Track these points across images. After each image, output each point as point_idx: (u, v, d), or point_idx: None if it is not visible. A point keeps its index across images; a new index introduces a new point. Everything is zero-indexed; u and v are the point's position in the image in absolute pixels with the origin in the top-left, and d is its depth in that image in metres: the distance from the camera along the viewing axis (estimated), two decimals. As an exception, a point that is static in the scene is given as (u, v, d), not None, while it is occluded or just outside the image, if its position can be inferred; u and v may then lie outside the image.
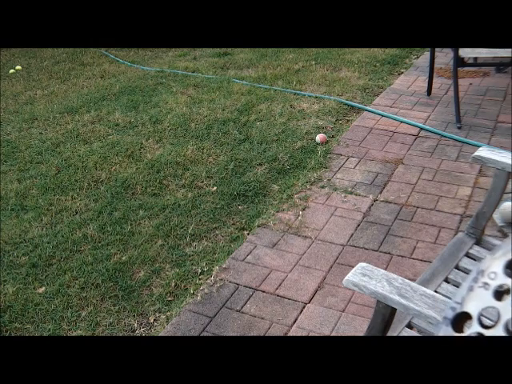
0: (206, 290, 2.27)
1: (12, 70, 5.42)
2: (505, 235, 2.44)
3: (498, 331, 0.70)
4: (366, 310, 2.12)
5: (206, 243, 2.58)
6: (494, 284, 0.76)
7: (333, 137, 3.66)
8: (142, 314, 2.17)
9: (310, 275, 2.34)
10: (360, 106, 4.13)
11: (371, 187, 3.02)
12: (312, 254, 2.47)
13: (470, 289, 0.78)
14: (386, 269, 2.34)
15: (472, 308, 0.75)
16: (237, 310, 2.16)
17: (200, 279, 2.34)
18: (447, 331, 0.75)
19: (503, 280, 0.76)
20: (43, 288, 2.32)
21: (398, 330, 1.41)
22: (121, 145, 3.60)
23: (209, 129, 3.79)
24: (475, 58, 4.43)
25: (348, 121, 3.92)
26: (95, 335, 2.06)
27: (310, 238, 2.59)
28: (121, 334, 2.06)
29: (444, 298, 1.12)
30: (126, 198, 2.98)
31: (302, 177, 3.13)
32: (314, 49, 5.77)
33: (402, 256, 2.43)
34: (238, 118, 3.95)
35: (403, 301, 1.12)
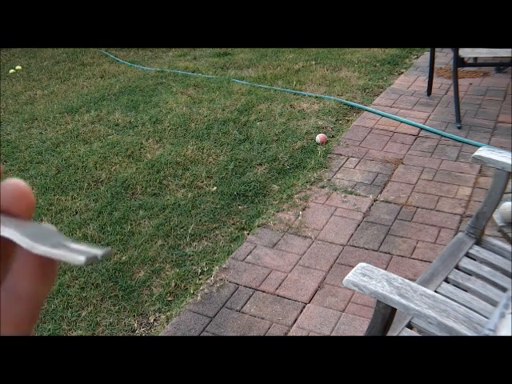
0: (206, 290, 2.27)
1: (12, 70, 5.42)
2: (505, 235, 2.44)
3: None
4: (366, 310, 2.12)
5: (205, 243, 2.58)
6: None
7: (333, 137, 3.66)
8: (142, 314, 2.17)
9: (310, 275, 2.34)
10: (360, 106, 4.13)
11: (371, 187, 3.02)
12: (312, 254, 2.47)
13: (502, 315, 0.78)
14: (385, 269, 2.34)
15: (505, 334, 0.75)
16: (237, 310, 2.16)
17: (200, 279, 2.34)
18: None
19: None
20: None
21: (398, 330, 1.41)
22: (121, 145, 3.60)
23: (209, 129, 3.79)
24: (475, 58, 4.43)
25: (348, 121, 3.92)
26: (95, 335, 2.06)
27: (310, 237, 2.59)
28: (121, 334, 2.06)
29: (444, 298, 1.12)
30: (125, 198, 2.98)
31: (302, 177, 3.13)
32: (314, 49, 5.77)
33: (402, 256, 2.43)
34: (238, 117, 3.95)
35: (403, 301, 1.12)
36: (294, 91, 4.45)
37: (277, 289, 2.27)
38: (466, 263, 1.64)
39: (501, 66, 4.55)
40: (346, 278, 1.20)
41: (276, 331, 2.05)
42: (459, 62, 3.72)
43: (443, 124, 3.79)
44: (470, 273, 1.61)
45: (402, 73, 4.94)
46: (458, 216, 2.72)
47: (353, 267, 1.22)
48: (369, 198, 2.91)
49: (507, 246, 1.72)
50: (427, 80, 4.37)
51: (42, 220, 2.80)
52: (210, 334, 2.04)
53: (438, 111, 4.02)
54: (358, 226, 2.67)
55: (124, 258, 2.48)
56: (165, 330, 2.07)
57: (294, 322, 2.09)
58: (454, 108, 3.78)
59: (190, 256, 2.49)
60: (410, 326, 1.44)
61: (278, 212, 2.80)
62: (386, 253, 2.46)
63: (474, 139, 3.52)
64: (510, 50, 3.63)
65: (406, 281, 1.17)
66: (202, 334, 2.04)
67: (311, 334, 2.03)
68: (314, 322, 2.08)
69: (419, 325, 1.43)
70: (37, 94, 4.73)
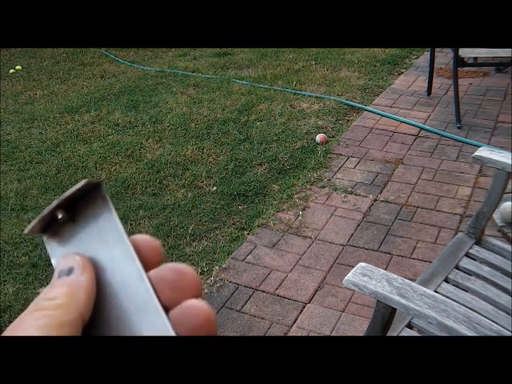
0: (206, 290, 2.27)
1: (12, 70, 5.42)
2: (505, 235, 2.44)
3: None
4: (366, 310, 2.12)
5: (206, 243, 2.58)
6: None
7: (333, 137, 3.66)
8: (142, 314, 2.17)
9: (310, 275, 2.34)
10: (360, 106, 4.13)
11: (371, 187, 3.02)
12: (312, 254, 2.47)
13: None
14: (385, 269, 2.34)
15: None
16: (237, 310, 2.16)
17: (200, 279, 2.34)
18: None
19: None
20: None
21: (398, 330, 1.41)
22: (121, 145, 3.60)
23: (209, 129, 3.79)
24: (475, 58, 4.42)
25: (348, 121, 3.92)
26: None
27: (310, 237, 2.59)
28: (121, 334, 2.06)
29: (444, 298, 1.12)
30: (125, 198, 2.98)
31: (302, 177, 3.13)
32: (314, 49, 5.77)
33: (402, 256, 2.43)
34: (238, 118, 3.95)
35: (403, 301, 1.12)
36: (294, 91, 4.45)
37: (277, 289, 2.27)
38: (465, 263, 1.65)
39: (501, 65, 4.55)
40: (346, 278, 1.20)
41: (276, 331, 2.05)
42: (459, 61, 3.72)
43: (443, 124, 3.79)
44: (469, 273, 1.61)
45: (402, 73, 4.93)
46: (457, 216, 2.72)
47: (353, 267, 1.22)
48: (369, 197, 2.91)
49: (507, 246, 1.72)
50: (427, 80, 4.37)
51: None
52: (210, 334, 2.04)
53: (438, 111, 4.02)
54: (358, 225, 2.67)
55: (124, 257, 2.48)
56: (165, 330, 2.07)
57: (294, 322, 2.09)
58: (454, 108, 3.78)
59: (190, 256, 2.49)
60: (410, 325, 1.44)
61: (278, 212, 2.80)
62: (385, 253, 2.46)
63: (473, 139, 3.52)
64: (509, 49, 3.63)
65: (406, 281, 1.17)
66: (202, 334, 2.04)
67: (311, 334, 2.03)
68: (314, 322, 2.08)
69: (419, 325, 1.43)
70: (37, 94, 4.72)
